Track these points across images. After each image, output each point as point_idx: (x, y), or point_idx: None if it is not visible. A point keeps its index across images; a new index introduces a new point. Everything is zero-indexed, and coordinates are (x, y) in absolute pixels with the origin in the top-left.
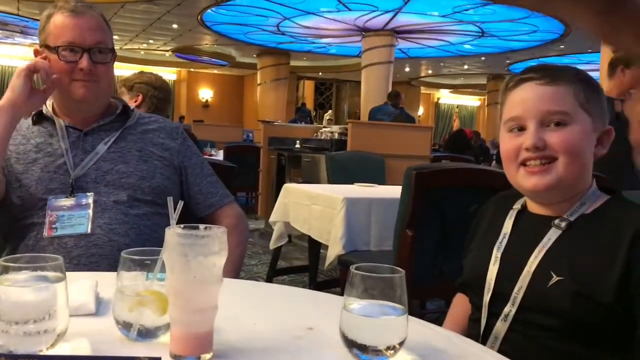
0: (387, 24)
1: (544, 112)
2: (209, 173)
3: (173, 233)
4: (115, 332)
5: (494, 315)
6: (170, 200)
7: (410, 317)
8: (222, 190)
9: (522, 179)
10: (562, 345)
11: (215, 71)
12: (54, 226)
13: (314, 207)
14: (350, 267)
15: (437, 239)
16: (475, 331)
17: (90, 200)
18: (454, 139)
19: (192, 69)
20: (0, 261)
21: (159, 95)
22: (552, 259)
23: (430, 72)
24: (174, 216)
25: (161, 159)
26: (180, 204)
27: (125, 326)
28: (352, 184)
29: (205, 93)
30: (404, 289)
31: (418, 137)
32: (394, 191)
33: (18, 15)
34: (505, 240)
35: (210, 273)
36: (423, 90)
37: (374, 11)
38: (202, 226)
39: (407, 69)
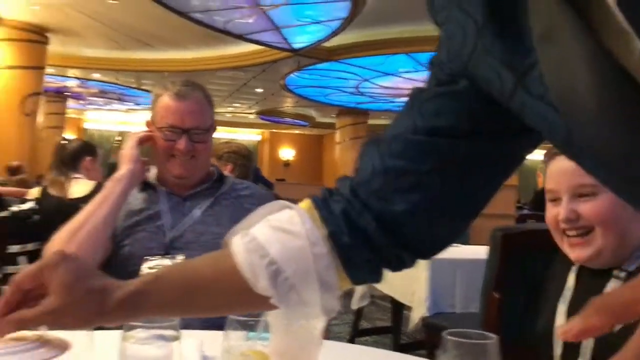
0: None
1: (575, 185)
2: None
3: None
4: None
5: None
6: None
7: None
8: None
9: (567, 249)
10: None
11: (296, 131)
12: None
13: None
14: (442, 332)
15: (524, 300)
16: None
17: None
18: (539, 197)
19: (274, 130)
20: None
21: (247, 164)
22: None
23: None
24: None
25: None
26: None
27: None
28: None
29: (287, 152)
30: (497, 354)
31: (502, 195)
32: (478, 251)
33: (117, 84)
34: (569, 294)
35: (312, 336)
36: None
37: None
38: None
39: None
